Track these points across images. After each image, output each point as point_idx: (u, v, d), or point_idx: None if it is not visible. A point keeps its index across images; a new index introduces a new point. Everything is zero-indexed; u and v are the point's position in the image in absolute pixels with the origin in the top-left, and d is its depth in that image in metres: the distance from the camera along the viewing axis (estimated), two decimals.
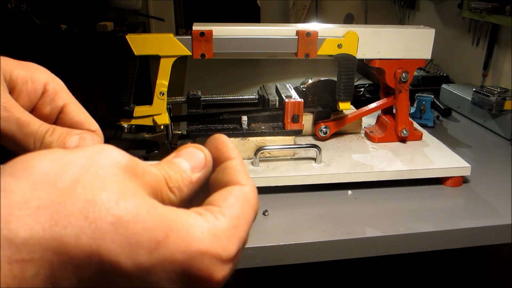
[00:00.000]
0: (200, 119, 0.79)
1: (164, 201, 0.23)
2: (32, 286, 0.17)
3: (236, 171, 0.26)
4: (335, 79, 0.79)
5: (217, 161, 0.26)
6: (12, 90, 0.29)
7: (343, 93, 0.78)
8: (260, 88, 0.87)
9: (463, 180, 0.76)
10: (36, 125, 0.28)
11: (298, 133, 0.77)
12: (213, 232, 0.22)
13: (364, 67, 1.42)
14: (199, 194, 0.26)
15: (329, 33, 0.75)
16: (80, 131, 0.30)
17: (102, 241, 0.18)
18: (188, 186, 0.25)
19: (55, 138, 0.28)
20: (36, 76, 0.30)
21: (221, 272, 0.22)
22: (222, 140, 0.27)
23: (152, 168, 0.24)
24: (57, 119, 0.31)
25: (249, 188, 0.25)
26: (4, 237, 0.17)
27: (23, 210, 0.18)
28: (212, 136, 0.27)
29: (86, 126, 0.31)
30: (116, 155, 0.22)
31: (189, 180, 0.25)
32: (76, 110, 0.31)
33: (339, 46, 0.74)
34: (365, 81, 1.37)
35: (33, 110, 0.30)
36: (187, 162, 0.25)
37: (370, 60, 0.79)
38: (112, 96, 0.72)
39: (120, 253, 0.19)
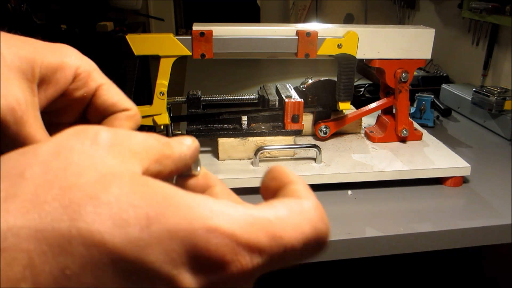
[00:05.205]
0: (200, 119, 0.79)
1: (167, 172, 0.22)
2: (9, 277, 0.16)
3: (298, 190, 0.22)
4: (335, 79, 0.79)
5: (278, 191, 0.23)
6: (41, 81, 0.27)
7: (343, 93, 0.78)
8: (260, 88, 0.87)
9: (463, 180, 0.76)
10: None
11: (298, 133, 0.77)
12: (229, 212, 0.19)
13: (364, 67, 1.42)
14: None
15: (329, 33, 0.75)
16: None
17: (81, 223, 0.17)
18: (174, 161, 0.22)
19: None
20: (66, 62, 0.28)
21: (239, 258, 0.18)
22: (278, 169, 0.24)
23: (147, 138, 0.21)
24: (90, 102, 0.30)
25: (310, 202, 0.21)
26: None
27: None
28: (268, 170, 0.24)
29: (120, 107, 0.30)
30: (91, 134, 0.19)
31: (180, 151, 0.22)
32: (110, 92, 0.30)
33: (339, 46, 0.74)
34: (365, 81, 1.37)
35: (63, 95, 0.29)
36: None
37: (370, 60, 0.79)
38: None
39: (105, 233, 0.17)
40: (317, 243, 0.20)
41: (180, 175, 0.25)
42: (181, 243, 0.17)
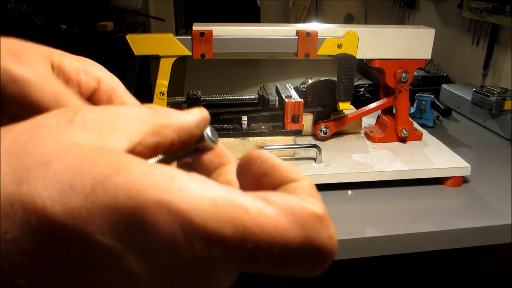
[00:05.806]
0: None
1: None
2: None
3: (304, 191, 0.19)
4: (335, 79, 0.79)
5: (273, 186, 0.20)
6: (63, 77, 0.26)
7: (343, 93, 0.78)
8: (260, 88, 0.87)
9: (463, 180, 0.76)
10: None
11: (298, 133, 0.77)
12: (191, 188, 0.16)
13: (364, 67, 1.42)
14: None
15: (329, 33, 0.75)
16: None
17: (25, 187, 0.16)
18: (175, 130, 0.21)
19: None
20: (90, 69, 0.27)
21: (194, 244, 0.16)
22: (270, 162, 0.20)
23: (140, 111, 0.20)
24: None
25: (315, 210, 0.18)
26: None
27: None
28: (247, 157, 0.21)
29: None
30: (69, 113, 0.19)
31: (180, 122, 0.21)
32: None
33: (339, 46, 0.74)
34: (365, 81, 1.37)
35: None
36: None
37: (370, 60, 0.79)
38: None
39: (47, 198, 0.16)
40: (310, 254, 0.18)
41: (196, 149, 0.24)
42: (127, 214, 0.16)
